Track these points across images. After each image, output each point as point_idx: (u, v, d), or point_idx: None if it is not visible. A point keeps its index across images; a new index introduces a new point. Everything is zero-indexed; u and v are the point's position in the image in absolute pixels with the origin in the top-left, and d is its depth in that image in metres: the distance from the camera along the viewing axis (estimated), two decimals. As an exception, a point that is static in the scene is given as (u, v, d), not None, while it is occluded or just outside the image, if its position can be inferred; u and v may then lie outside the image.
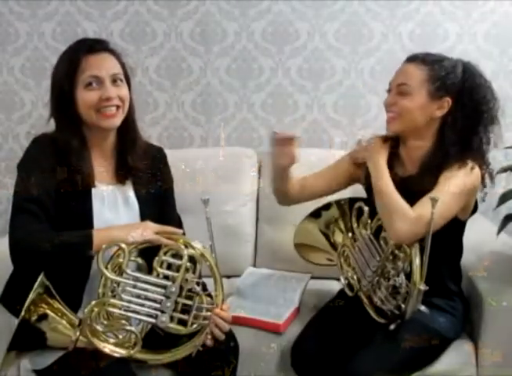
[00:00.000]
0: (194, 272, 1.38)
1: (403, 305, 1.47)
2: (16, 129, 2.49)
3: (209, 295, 1.44)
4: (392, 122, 1.58)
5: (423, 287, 1.42)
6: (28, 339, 1.31)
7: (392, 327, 1.49)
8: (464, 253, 1.82)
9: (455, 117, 1.54)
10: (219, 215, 2.17)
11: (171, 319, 1.37)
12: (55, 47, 2.40)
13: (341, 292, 1.72)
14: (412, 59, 1.57)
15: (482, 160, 1.56)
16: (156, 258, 1.38)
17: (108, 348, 1.35)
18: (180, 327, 1.38)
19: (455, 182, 1.49)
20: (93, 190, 1.47)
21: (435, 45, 2.32)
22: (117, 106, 1.47)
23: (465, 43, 2.33)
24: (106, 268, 1.34)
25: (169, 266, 1.39)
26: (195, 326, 1.39)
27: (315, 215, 1.82)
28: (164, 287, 1.36)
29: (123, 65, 1.51)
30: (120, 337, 1.37)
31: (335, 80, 2.40)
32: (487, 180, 1.58)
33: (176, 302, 1.37)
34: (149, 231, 1.38)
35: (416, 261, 1.44)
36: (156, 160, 1.63)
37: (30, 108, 2.46)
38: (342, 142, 2.43)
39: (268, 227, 2.21)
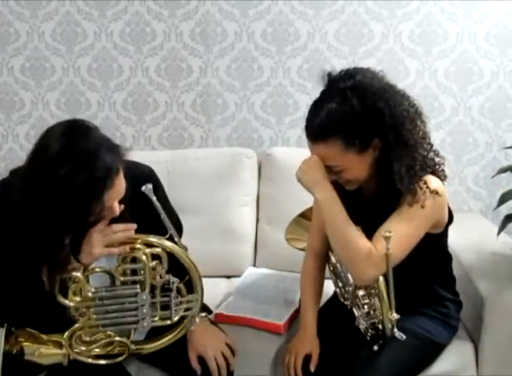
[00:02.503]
0: (162, 267, 1.34)
1: (381, 327, 1.45)
2: (16, 129, 2.49)
3: (187, 283, 1.39)
4: (348, 186, 1.46)
5: (393, 317, 1.39)
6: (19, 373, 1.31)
7: (375, 347, 1.45)
8: (464, 253, 1.82)
9: (386, 146, 1.39)
10: (219, 215, 2.17)
11: (153, 317, 1.36)
12: (55, 47, 2.40)
13: (336, 295, 1.70)
14: (314, 139, 1.40)
15: (431, 164, 1.44)
16: (118, 267, 1.33)
17: (99, 359, 1.36)
18: (165, 322, 1.37)
19: (414, 208, 1.38)
20: None
21: (435, 45, 2.32)
22: None
23: (465, 43, 2.33)
24: (67, 296, 1.30)
25: (135, 270, 1.35)
26: (178, 316, 1.38)
27: (302, 215, 1.85)
28: (135, 295, 1.34)
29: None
30: (109, 346, 1.37)
31: (335, 80, 2.39)
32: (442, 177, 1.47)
33: (153, 303, 1.35)
34: (97, 248, 1.29)
35: (383, 293, 1.40)
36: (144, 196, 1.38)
37: (30, 108, 2.46)
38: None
39: (268, 227, 2.21)
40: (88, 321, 1.33)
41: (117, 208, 1.31)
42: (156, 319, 1.37)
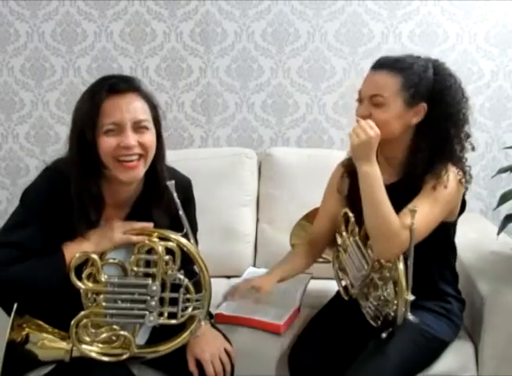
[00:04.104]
0: (175, 263, 1.35)
1: (393, 313, 1.46)
2: (16, 129, 2.49)
3: (196, 283, 1.40)
4: None
5: (409, 297, 1.41)
6: (20, 365, 1.31)
7: (384, 335, 1.46)
8: (464, 253, 1.82)
9: (430, 121, 1.48)
10: (219, 215, 2.17)
11: (161, 314, 1.36)
12: (55, 47, 2.40)
13: (338, 294, 1.71)
14: (381, 66, 1.49)
15: (460, 161, 1.51)
16: (132, 256, 1.36)
17: (102, 355, 1.35)
18: (171, 321, 1.37)
19: (438, 191, 1.45)
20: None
21: (435, 45, 2.32)
22: (140, 156, 1.34)
23: (465, 43, 2.33)
24: (81, 279, 1.33)
25: (148, 263, 1.37)
26: (186, 317, 1.38)
27: (308, 216, 1.84)
28: (145, 286, 1.34)
29: (153, 107, 1.39)
30: (113, 342, 1.37)
31: (335, 80, 2.40)
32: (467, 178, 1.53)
33: (161, 298, 1.36)
34: (117, 234, 1.35)
35: (401, 271, 1.42)
36: (183, 203, 1.39)
37: (30, 108, 2.46)
38: (342, 141, 2.43)
39: (268, 227, 2.21)
40: (95, 308, 1.34)
41: (130, 137, 1.31)
42: (162, 317, 1.36)
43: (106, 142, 1.31)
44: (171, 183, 1.36)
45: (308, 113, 2.43)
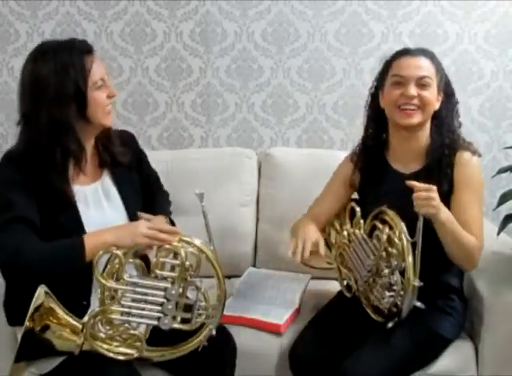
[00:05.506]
0: (194, 270, 1.36)
1: (399, 303, 1.47)
2: (16, 129, 2.48)
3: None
4: (414, 114, 1.58)
5: (417, 283, 1.43)
6: (34, 349, 1.30)
7: (390, 324, 1.49)
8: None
9: (444, 109, 1.63)
10: (219, 215, 2.17)
11: (174, 318, 1.36)
12: (55, 47, 2.40)
13: (340, 293, 1.72)
14: (417, 53, 1.63)
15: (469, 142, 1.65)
16: (154, 259, 1.36)
17: (112, 352, 1.35)
18: (183, 326, 1.37)
19: (472, 186, 1.58)
20: (76, 195, 1.46)
21: (435, 45, 2.32)
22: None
23: (465, 43, 2.33)
24: (103, 275, 1.33)
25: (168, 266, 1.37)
26: (199, 323, 1.38)
27: None
28: (164, 289, 1.35)
29: None
30: (124, 340, 1.37)
31: (335, 80, 2.40)
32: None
33: (178, 303, 1.36)
34: (142, 228, 1.36)
35: (409, 258, 1.45)
36: (130, 144, 1.66)
37: (30, 108, 2.46)
38: (342, 141, 2.43)
39: (268, 227, 2.21)
40: (112, 305, 1.33)
41: (113, 88, 1.51)
42: (175, 321, 1.36)
43: (101, 95, 1.46)
44: (199, 193, 1.46)
45: (308, 113, 2.43)
